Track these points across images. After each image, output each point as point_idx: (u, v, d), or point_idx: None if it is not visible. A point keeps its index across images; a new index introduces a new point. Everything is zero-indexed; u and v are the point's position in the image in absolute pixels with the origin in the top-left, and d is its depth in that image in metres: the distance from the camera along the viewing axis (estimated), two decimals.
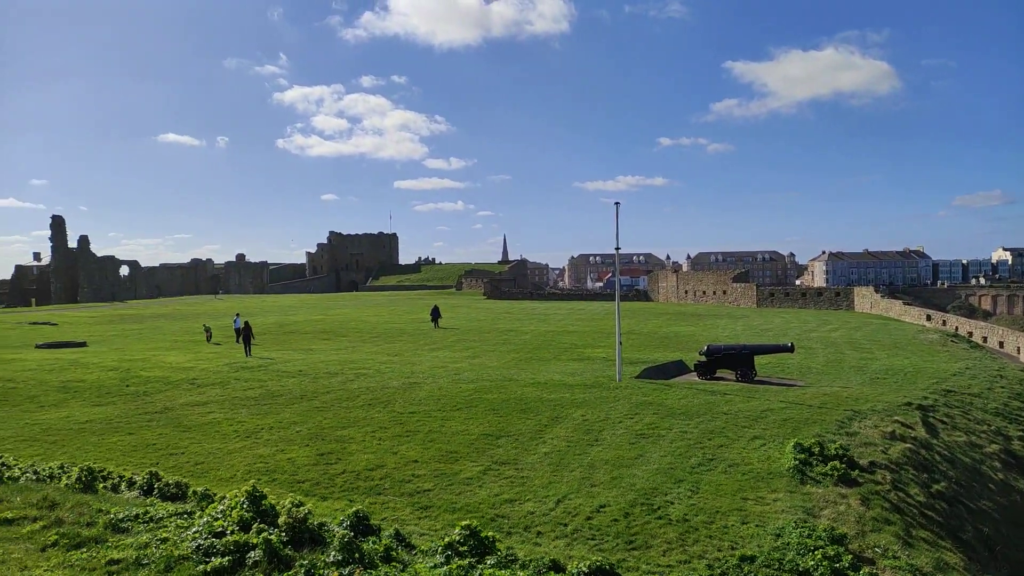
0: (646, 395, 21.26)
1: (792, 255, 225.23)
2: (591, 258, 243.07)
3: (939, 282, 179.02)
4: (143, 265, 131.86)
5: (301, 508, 8.22)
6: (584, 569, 8.76)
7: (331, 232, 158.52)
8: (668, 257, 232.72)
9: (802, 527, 11.45)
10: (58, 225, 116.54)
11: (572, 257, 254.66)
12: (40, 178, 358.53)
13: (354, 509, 9.62)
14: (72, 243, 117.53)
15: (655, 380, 24.67)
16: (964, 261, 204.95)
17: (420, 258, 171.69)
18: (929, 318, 50.60)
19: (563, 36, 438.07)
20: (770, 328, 46.20)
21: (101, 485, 11.31)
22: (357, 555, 7.51)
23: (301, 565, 7.08)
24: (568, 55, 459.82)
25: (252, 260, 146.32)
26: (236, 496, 8.70)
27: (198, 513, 8.89)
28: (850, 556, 10.68)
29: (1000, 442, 19.95)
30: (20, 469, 12.56)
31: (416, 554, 8.86)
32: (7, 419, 18.82)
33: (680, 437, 16.43)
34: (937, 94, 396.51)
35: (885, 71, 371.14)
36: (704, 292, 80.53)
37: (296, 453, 15.31)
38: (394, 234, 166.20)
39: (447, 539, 8.77)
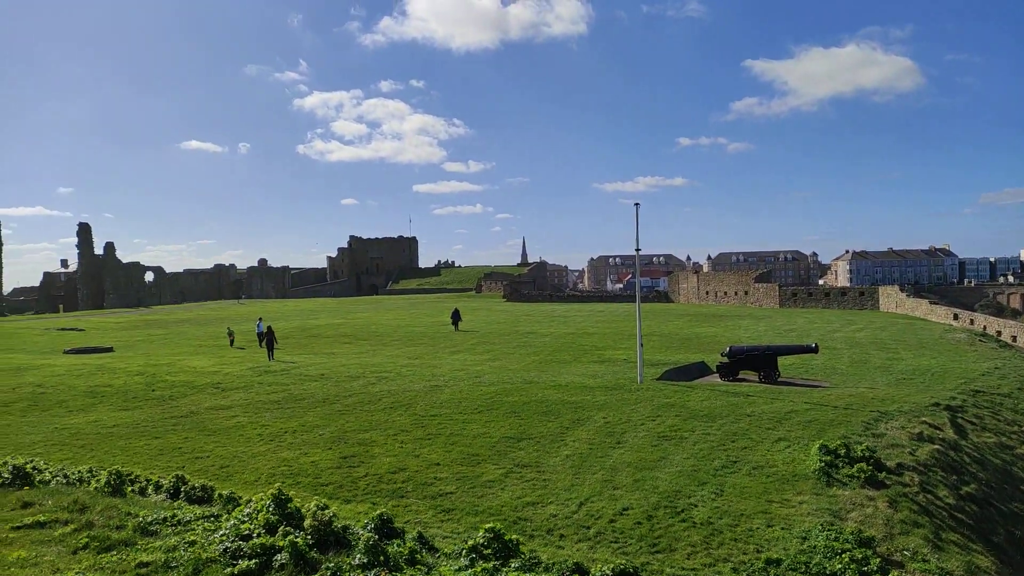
0: (668, 397, 21.14)
1: (815, 254, 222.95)
2: (611, 259, 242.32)
3: (966, 280, 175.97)
4: (167, 271, 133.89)
5: (326, 511, 8.28)
6: (608, 572, 8.73)
7: (351, 236, 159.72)
8: (688, 258, 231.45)
9: (829, 530, 11.31)
10: (85, 232, 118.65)
11: (591, 259, 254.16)
12: (67, 186, 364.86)
13: (378, 512, 9.67)
14: (98, 250, 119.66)
15: (677, 382, 24.52)
16: (991, 259, 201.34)
17: (440, 261, 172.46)
18: (956, 317, 49.79)
19: (580, 37, 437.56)
20: (793, 329, 45.74)
21: (129, 489, 11.49)
22: (382, 558, 7.55)
23: (327, 568, 7.14)
24: (586, 56, 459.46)
25: (274, 265, 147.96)
26: (262, 499, 8.79)
27: (224, 516, 8.99)
28: (878, 559, 10.53)
29: None
30: (51, 473, 12.80)
31: (440, 557, 8.88)
32: (37, 424, 19.17)
33: (703, 439, 16.31)
34: (962, 90, 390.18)
35: (908, 67, 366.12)
36: (725, 293, 79.93)
37: (319, 456, 15.42)
38: (414, 238, 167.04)
39: (471, 542, 8.79)
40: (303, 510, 8.49)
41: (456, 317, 48.64)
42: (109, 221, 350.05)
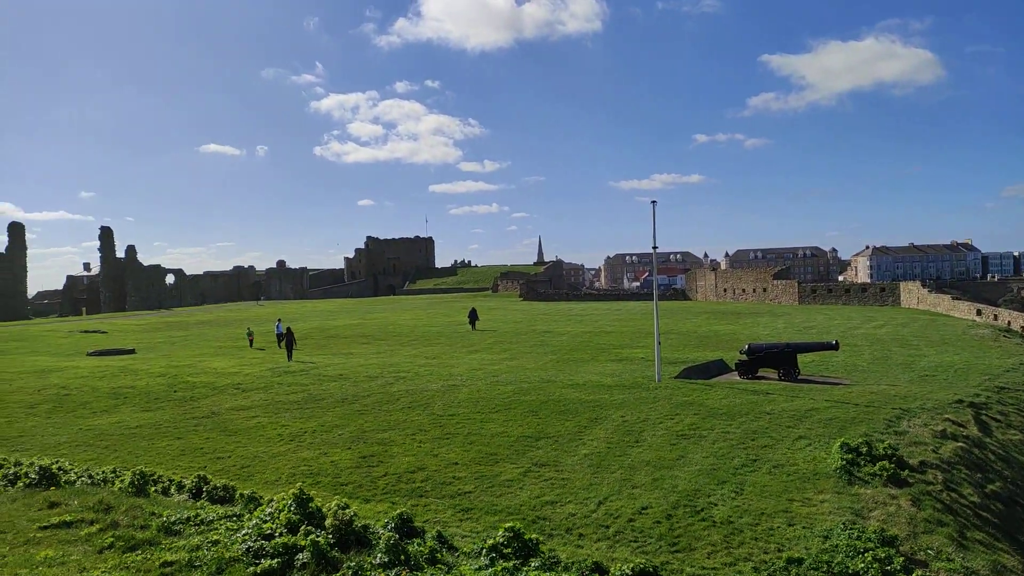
0: (686, 395, 21.04)
1: (834, 250, 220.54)
2: (627, 258, 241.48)
3: (989, 275, 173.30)
4: (188, 273, 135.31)
5: (347, 510, 8.34)
6: (628, 571, 8.72)
7: (368, 237, 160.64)
8: (706, 255, 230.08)
9: (851, 529, 11.20)
10: (106, 236, 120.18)
11: (608, 257, 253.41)
12: (89, 190, 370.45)
13: (398, 511, 9.72)
14: (120, 253, 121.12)
15: (695, 380, 24.39)
16: (1015, 253, 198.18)
17: (456, 261, 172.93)
18: (979, 313, 49.06)
19: (595, 35, 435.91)
20: (813, 326, 45.33)
21: (152, 489, 11.64)
22: (403, 557, 7.59)
23: (348, 567, 7.19)
24: (601, 54, 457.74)
25: (292, 266, 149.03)
26: (284, 499, 8.88)
27: (247, 516, 9.09)
28: (901, 558, 10.41)
29: None
30: (76, 473, 13.00)
31: (459, 556, 8.91)
32: (62, 425, 19.48)
33: (722, 437, 16.22)
34: (983, 82, 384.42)
35: (928, 59, 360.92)
36: (743, 290, 79.36)
37: (338, 456, 15.53)
38: (430, 238, 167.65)
39: (491, 541, 8.81)
40: (324, 509, 8.56)
41: (473, 316, 48.73)
42: (130, 224, 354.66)
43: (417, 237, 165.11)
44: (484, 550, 8.64)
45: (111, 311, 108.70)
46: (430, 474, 14.09)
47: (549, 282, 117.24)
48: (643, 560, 9.45)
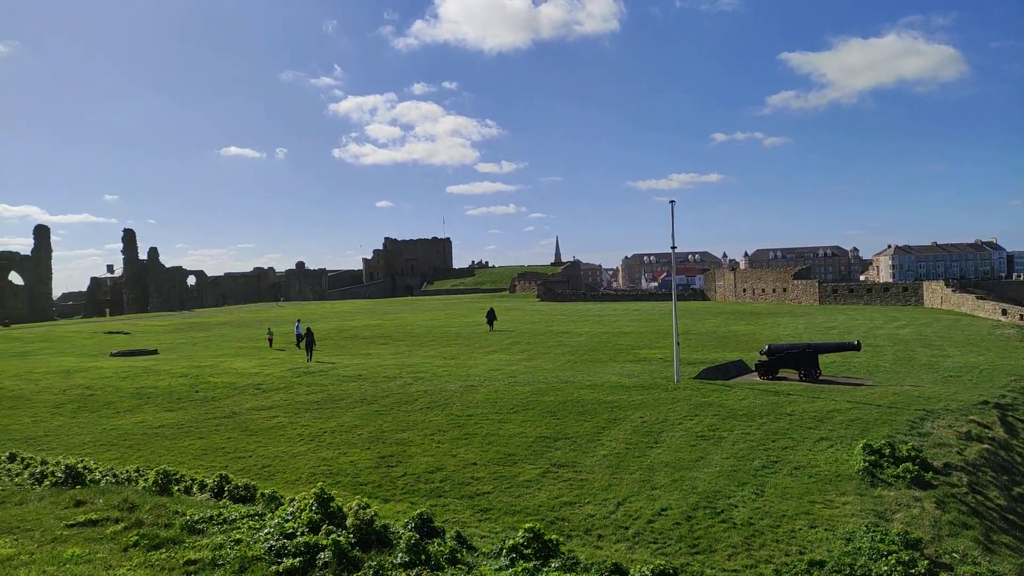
0: (706, 396, 20.92)
1: (855, 250, 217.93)
2: (645, 258, 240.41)
3: (1015, 274, 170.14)
4: (209, 275, 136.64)
5: (367, 510, 8.39)
6: (647, 573, 8.67)
7: (386, 238, 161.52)
8: (725, 255, 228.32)
9: (874, 531, 11.07)
10: (129, 238, 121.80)
11: (626, 257, 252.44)
12: (112, 193, 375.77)
13: (418, 511, 9.76)
14: (142, 255, 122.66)
15: (714, 381, 24.25)
16: None
17: (473, 262, 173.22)
18: (1005, 312, 48.25)
19: (613, 35, 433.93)
20: (834, 326, 44.86)
21: (175, 488, 11.78)
22: (423, 557, 7.62)
23: (369, 566, 7.22)
24: (618, 54, 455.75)
25: (311, 268, 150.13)
26: (305, 498, 8.95)
27: (268, 515, 9.17)
28: (926, 562, 10.27)
29: None
30: (100, 472, 13.21)
31: (479, 556, 8.93)
32: (87, 425, 19.78)
33: (742, 439, 16.11)
34: (1008, 77, 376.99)
35: (951, 56, 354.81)
36: (763, 290, 78.71)
37: (358, 456, 15.62)
38: (448, 239, 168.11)
39: (511, 541, 8.81)
40: (345, 509, 8.61)
41: (491, 317, 48.79)
42: (152, 227, 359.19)
43: (435, 238, 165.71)
44: (504, 550, 8.65)
45: (134, 312, 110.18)
46: (449, 474, 14.13)
47: (567, 282, 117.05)
48: (663, 562, 9.40)
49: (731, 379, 25.10)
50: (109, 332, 57.71)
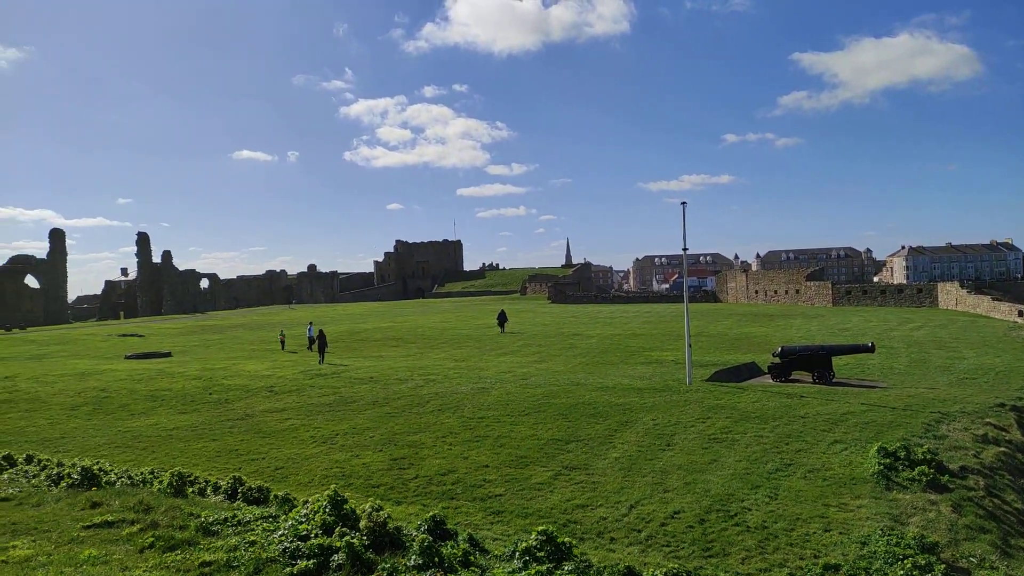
0: (718, 398, 20.83)
1: (869, 251, 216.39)
2: (656, 259, 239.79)
3: None
4: (221, 278, 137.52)
5: (380, 512, 8.41)
6: None
7: (397, 241, 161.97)
8: (736, 256, 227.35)
9: (889, 535, 10.98)
10: (143, 241, 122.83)
11: (637, 259, 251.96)
12: (126, 197, 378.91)
13: (431, 514, 9.77)
14: (156, 258, 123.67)
15: (727, 383, 24.14)
16: None
17: (484, 264, 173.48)
18: (1022, 314, 47.75)
19: (623, 36, 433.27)
20: (848, 327, 44.55)
21: (190, 489, 11.86)
22: (437, 559, 7.63)
23: (383, 568, 7.25)
24: (628, 55, 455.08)
25: (323, 270, 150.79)
26: (319, 500, 8.98)
27: (282, 517, 9.21)
28: (942, 566, 10.18)
29: None
30: (116, 474, 13.30)
31: (491, 558, 8.93)
32: (102, 427, 19.94)
33: (755, 441, 16.02)
34: (1023, 76, 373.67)
35: (965, 55, 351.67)
36: (775, 292, 78.30)
37: (370, 458, 15.66)
38: (458, 241, 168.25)
39: (524, 544, 8.81)
40: (358, 511, 8.64)
41: (502, 319, 48.80)
42: (166, 230, 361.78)
43: (445, 240, 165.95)
44: (517, 553, 8.65)
45: (148, 315, 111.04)
46: (461, 477, 14.14)
47: (577, 284, 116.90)
48: (676, 565, 9.37)
49: (743, 381, 24.99)
50: (123, 335, 58.19)
